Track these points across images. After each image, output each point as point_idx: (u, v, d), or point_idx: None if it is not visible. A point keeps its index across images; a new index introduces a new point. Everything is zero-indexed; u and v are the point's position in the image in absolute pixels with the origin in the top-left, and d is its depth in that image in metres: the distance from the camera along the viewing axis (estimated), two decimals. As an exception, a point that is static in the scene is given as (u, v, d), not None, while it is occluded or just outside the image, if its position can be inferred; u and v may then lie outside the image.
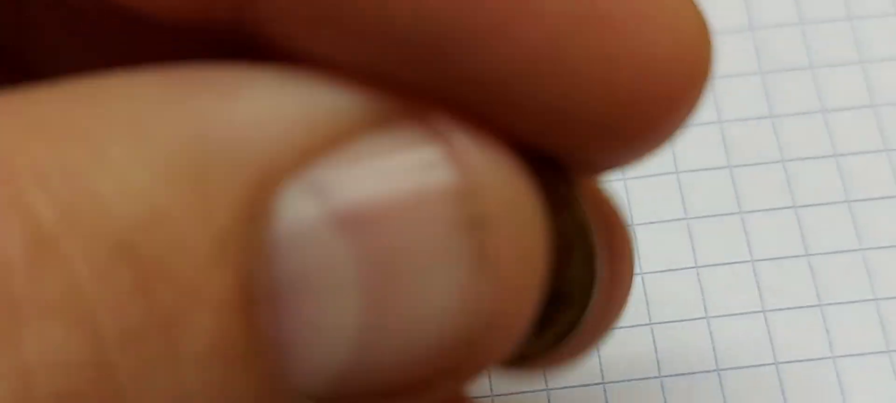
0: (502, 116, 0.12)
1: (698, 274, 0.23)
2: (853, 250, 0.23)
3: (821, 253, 0.23)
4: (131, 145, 0.10)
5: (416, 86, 0.12)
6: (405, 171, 0.11)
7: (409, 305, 0.11)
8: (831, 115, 0.25)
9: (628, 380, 0.22)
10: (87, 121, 0.10)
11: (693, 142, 0.24)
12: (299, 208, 0.10)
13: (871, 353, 0.22)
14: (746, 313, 0.23)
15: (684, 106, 0.12)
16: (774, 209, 0.24)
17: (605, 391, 0.22)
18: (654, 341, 0.23)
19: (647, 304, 0.23)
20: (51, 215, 0.09)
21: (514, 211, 0.11)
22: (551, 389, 0.22)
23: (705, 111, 0.25)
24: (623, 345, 0.22)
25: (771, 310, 0.23)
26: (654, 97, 0.12)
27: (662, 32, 0.11)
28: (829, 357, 0.22)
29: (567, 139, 0.12)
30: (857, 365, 0.22)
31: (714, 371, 0.22)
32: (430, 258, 0.11)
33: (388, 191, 0.11)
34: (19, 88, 0.10)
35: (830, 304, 0.23)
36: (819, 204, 0.24)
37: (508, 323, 0.11)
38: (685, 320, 0.23)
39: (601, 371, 0.22)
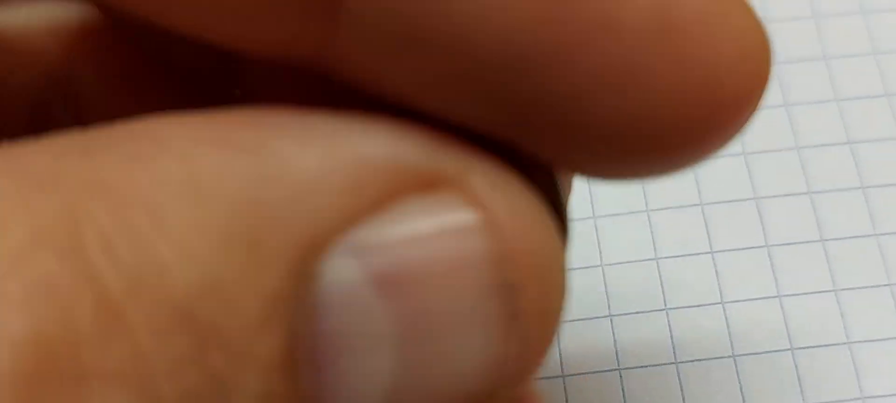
0: (562, 135, 0.12)
1: (714, 259, 0.23)
2: (868, 236, 0.23)
3: (835, 239, 0.23)
4: (190, 210, 0.10)
5: (486, 120, 0.12)
6: (443, 236, 0.11)
7: (440, 363, 0.11)
8: (845, 104, 0.25)
9: (644, 367, 0.22)
10: (147, 185, 0.10)
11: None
12: (343, 270, 0.11)
13: (888, 339, 0.22)
14: (762, 298, 0.23)
15: (749, 108, 0.12)
16: (789, 195, 0.24)
17: (621, 376, 0.22)
18: (669, 327, 0.23)
19: (663, 290, 0.23)
20: (118, 285, 0.10)
21: (544, 273, 0.12)
22: (567, 376, 0.22)
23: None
24: (638, 332, 0.23)
25: (787, 296, 0.23)
26: (723, 101, 0.12)
27: (730, 41, 0.12)
28: (845, 344, 0.22)
29: (634, 147, 0.12)
30: (873, 350, 0.22)
31: (730, 356, 0.22)
32: (463, 320, 0.11)
33: (427, 254, 0.11)
34: (72, 137, 0.11)
35: (845, 290, 0.23)
36: (834, 191, 0.24)
37: (528, 372, 0.12)
38: (701, 305, 0.23)
39: (617, 356, 0.23)
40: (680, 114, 0.12)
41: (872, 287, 0.23)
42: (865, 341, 0.22)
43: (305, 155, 0.11)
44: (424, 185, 0.11)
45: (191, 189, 0.10)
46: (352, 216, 0.11)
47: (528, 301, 0.11)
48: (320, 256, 0.11)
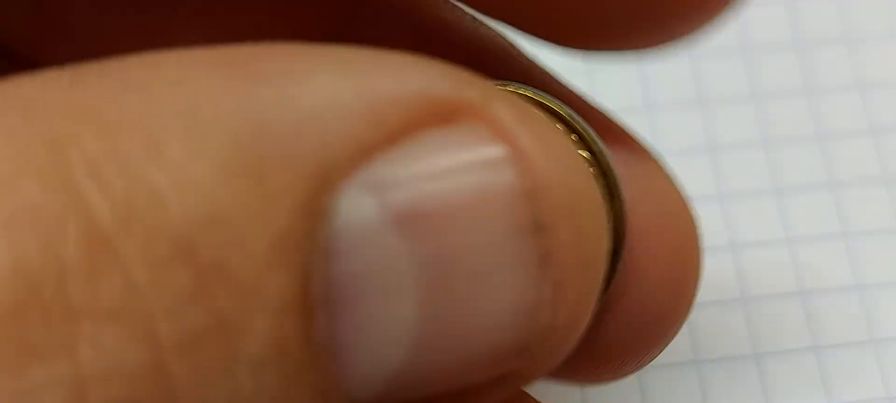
0: None
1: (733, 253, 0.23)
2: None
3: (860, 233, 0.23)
4: (189, 138, 0.09)
5: None
6: (468, 171, 0.10)
7: (467, 309, 0.11)
8: (869, 92, 0.24)
9: (664, 365, 0.22)
10: (141, 111, 0.10)
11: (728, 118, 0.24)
12: (359, 207, 0.10)
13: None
14: (785, 294, 0.22)
15: None
16: (811, 186, 0.23)
17: (638, 377, 0.22)
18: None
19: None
20: (107, 213, 0.09)
21: (577, 214, 0.11)
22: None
23: (740, 86, 0.24)
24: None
25: (809, 291, 0.22)
26: None
27: None
28: (869, 341, 0.22)
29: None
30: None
31: (751, 355, 0.22)
32: (491, 261, 0.10)
33: (450, 190, 0.10)
34: (60, 69, 0.10)
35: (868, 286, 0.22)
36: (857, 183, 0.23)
37: (566, 330, 0.11)
38: (722, 301, 0.22)
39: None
40: None
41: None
42: (891, 338, 0.22)
43: (316, 81, 0.10)
44: (447, 116, 0.11)
45: (189, 115, 0.10)
46: (368, 148, 0.10)
47: (560, 243, 0.11)
48: (333, 191, 0.10)
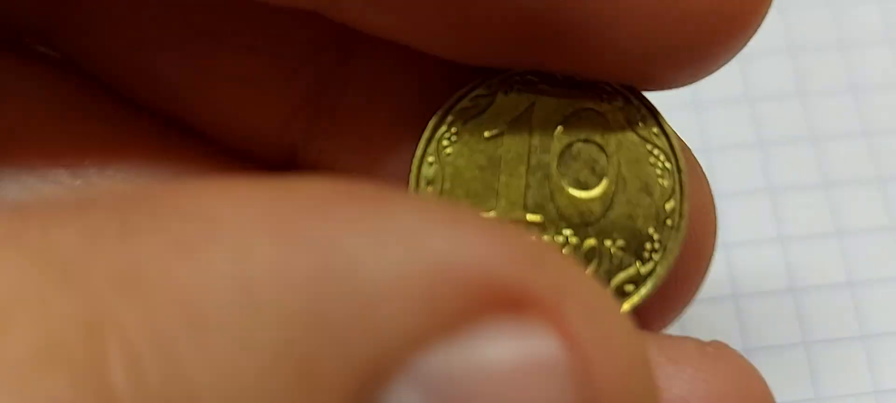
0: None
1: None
2: None
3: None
4: (238, 320, 0.09)
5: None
6: (524, 375, 0.10)
7: None
8: (862, 93, 0.25)
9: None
10: (191, 282, 0.09)
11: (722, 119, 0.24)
12: (409, 401, 0.09)
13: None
14: (775, 291, 0.23)
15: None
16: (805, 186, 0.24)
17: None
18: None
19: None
20: None
21: (630, 385, 0.10)
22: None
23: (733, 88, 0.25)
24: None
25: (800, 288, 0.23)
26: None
27: None
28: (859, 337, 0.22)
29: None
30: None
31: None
32: None
33: (503, 394, 0.10)
34: (111, 208, 0.09)
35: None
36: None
37: None
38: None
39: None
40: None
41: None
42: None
43: (379, 257, 0.09)
44: (512, 304, 0.10)
45: (242, 292, 0.09)
46: (424, 336, 0.09)
47: None
48: (385, 384, 0.09)
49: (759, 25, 0.14)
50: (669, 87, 0.15)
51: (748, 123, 0.24)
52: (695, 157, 0.16)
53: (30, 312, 0.08)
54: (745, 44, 0.14)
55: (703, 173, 0.16)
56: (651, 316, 0.16)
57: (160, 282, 0.09)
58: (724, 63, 0.14)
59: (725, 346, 0.15)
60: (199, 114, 0.16)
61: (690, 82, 0.14)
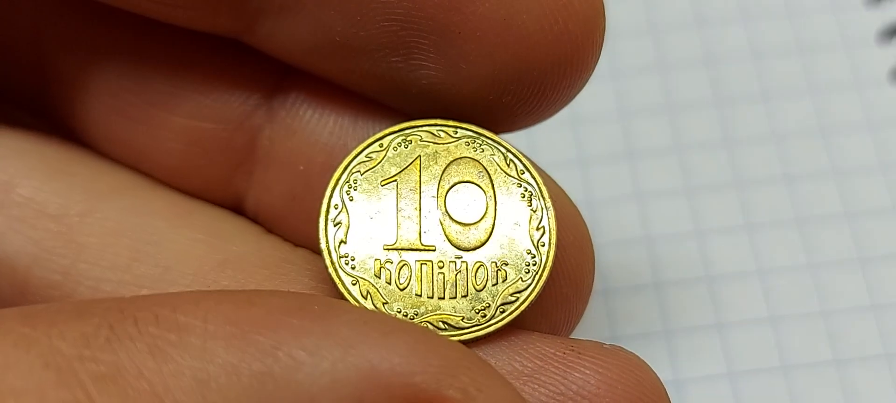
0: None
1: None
2: None
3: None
4: None
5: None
6: None
7: None
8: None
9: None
10: (156, 378, 0.10)
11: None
12: None
13: None
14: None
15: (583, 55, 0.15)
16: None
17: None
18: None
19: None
20: None
21: None
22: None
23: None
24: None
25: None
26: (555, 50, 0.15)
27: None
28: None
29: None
30: None
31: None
32: None
33: None
34: (105, 311, 0.11)
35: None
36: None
37: None
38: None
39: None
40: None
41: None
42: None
43: (317, 362, 0.11)
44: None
45: (201, 388, 0.10)
46: None
47: None
48: None
49: (594, 53, 0.16)
50: (522, 121, 0.17)
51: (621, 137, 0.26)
52: (558, 186, 0.18)
53: (30, 401, 0.10)
54: (581, 79, 0.16)
55: (567, 197, 0.18)
56: (556, 321, 0.18)
57: (134, 381, 0.10)
58: (567, 93, 0.16)
59: (622, 348, 0.17)
60: (155, 170, 0.18)
61: (542, 110, 0.17)
